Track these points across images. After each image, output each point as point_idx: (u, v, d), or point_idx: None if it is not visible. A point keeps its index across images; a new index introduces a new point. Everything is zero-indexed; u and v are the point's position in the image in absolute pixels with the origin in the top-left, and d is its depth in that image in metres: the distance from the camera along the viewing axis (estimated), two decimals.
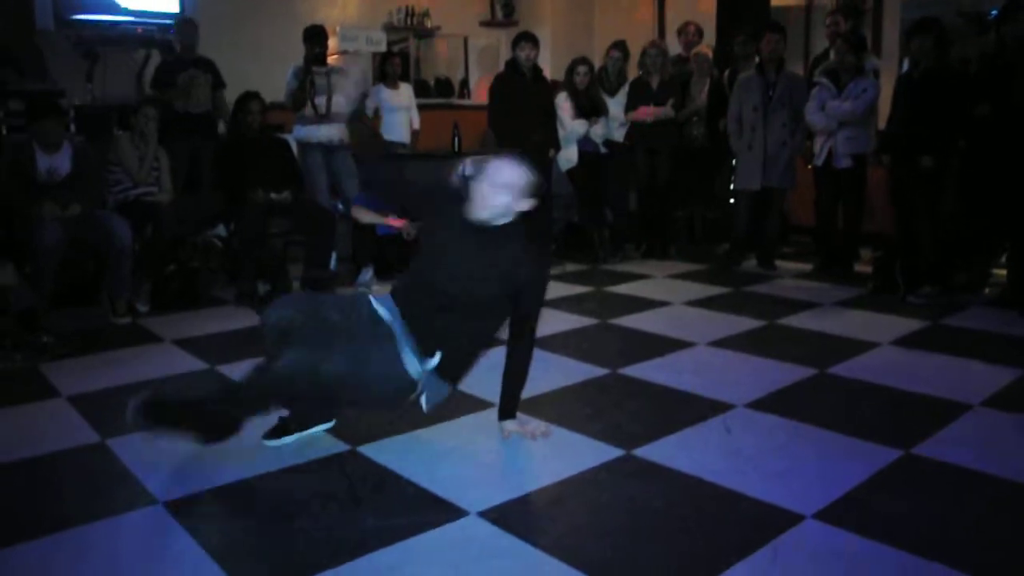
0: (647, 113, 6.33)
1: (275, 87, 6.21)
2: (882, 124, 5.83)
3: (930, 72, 4.96)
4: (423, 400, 2.73)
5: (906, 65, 5.67)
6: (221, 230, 5.67)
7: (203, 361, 3.95)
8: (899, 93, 5.20)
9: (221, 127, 6.47)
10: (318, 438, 2.98)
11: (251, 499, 2.55)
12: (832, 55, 5.98)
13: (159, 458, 2.82)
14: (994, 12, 5.14)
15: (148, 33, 6.81)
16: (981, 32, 5.55)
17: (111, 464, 2.79)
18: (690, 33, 7.16)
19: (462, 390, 3.36)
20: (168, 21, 6.91)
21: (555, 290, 5.42)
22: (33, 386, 3.60)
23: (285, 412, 2.89)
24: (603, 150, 6.54)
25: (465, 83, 9.67)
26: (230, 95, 5.86)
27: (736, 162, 6.21)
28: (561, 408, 3.21)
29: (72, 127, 5.96)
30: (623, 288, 5.53)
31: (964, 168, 4.97)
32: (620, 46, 6.67)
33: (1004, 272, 5.07)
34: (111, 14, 6.73)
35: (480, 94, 8.81)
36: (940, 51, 4.97)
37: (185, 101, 6.15)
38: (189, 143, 6.07)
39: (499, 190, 2.68)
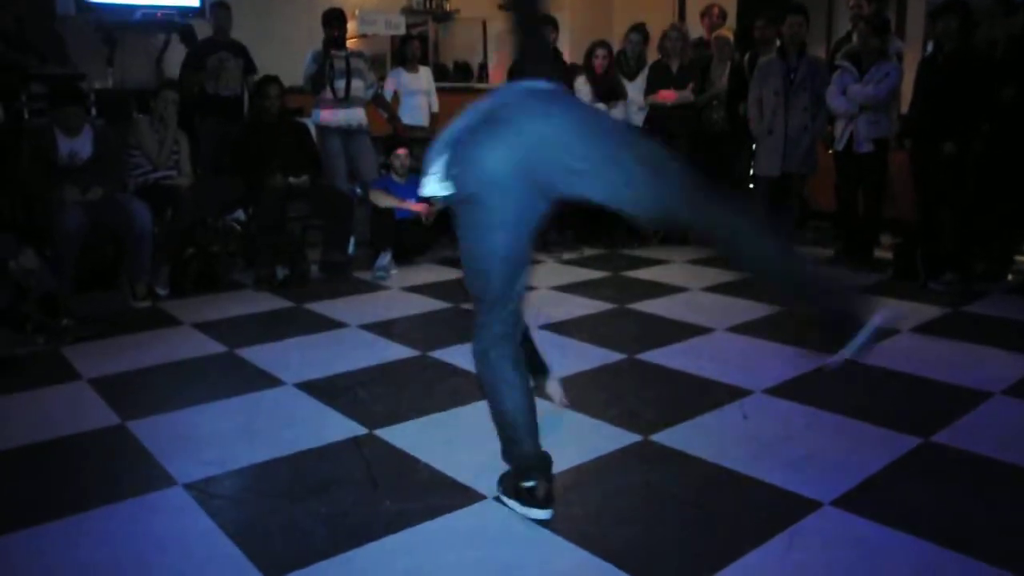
0: (668, 96, 6.29)
1: (294, 71, 6.22)
2: (905, 108, 5.76)
3: (954, 55, 4.88)
4: None
5: (930, 48, 5.59)
6: (240, 214, 5.70)
7: (222, 344, 3.98)
8: (922, 77, 5.13)
9: None
10: (334, 421, 3.00)
11: (270, 481, 2.57)
12: (855, 38, 5.89)
13: (178, 440, 2.86)
14: None
15: (168, 18, 6.83)
16: (1009, 13, 5.44)
17: (131, 446, 2.82)
18: (714, 15, 7.08)
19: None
20: (188, 5, 6.93)
21: (572, 275, 5.42)
22: (54, 369, 3.64)
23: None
24: None
25: (484, 66, 9.64)
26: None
27: (756, 147, 6.15)
28: (577, 393, 3.20)
29: (93, 111, 6.00)
30: (641, 273, 5.51)
31: (987, 153, 4.90)
32: (639, 29, 6.61)
33: None
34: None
35: (498, 77, 8.77)
36: (965, 33, 4.90)
37: (215, 83, 6.20)
38: (218, 125, 6.12)
39: None
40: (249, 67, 6.47)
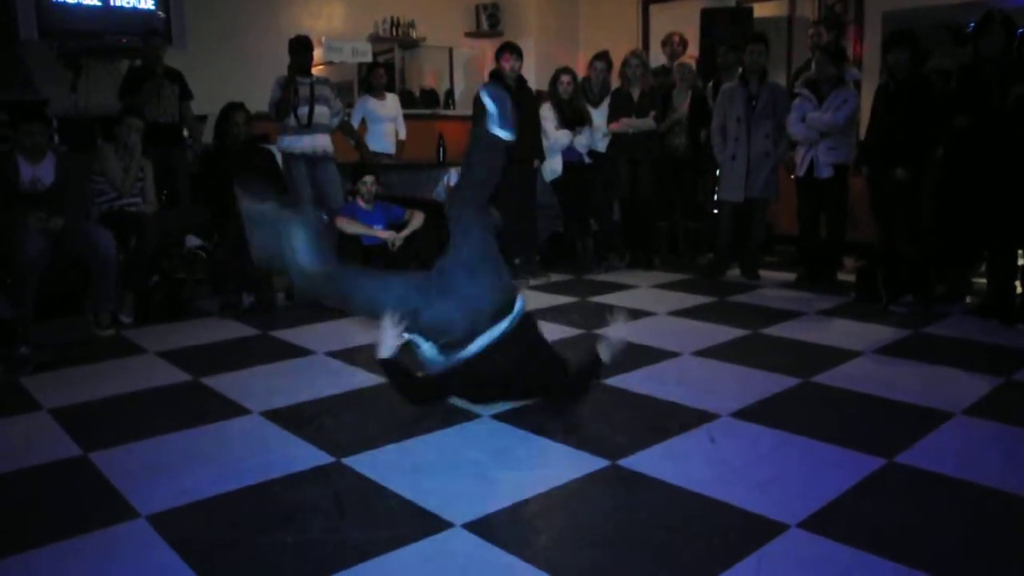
0: (625, 124, 6.36)
1: (261, 97, 6.21)
2: (863, 134, 5.88)
3: (905, 84, 5.01)
4: None
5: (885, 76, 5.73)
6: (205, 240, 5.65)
7: (187, 373, 3.93)
8: (877, 104, 5.25)
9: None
10: (301, 450, 2.97)
11: (235, 511, 2.53)
12: (813, 66, 6.03)
13: (141, 471, 2.81)
14: (972, 25, 5.20)
15: (133, 44, 6.78)
16: (959, 43, 5.61)
17: (93, 477, 2.77)
18: (674, 43, 7.20)
19: (451, 402, 3.37)
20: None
21: (539, 300, 5.43)
22: (14, 399, 3.57)
23: None
24: (587, 160, 6.56)
25: (450, 93, 9.68)
26: (215, 105, 5.85)
27: (720, 172, 6.24)
28: (545, 418, 3.21)
29: (56, 138, 5.93)
30: (607, 298, 5.54)
31: (942, 178, 5.02)
32: (603, 56, 6.70)
33: (984, 281, 5.12)
34: (95, 25, 6.68)
35: (465, 104, 8.82)
36: (915, 63, 5.03)
37: (153, 110, 6.13)
38: (155, 153, 6.06)
39: None
40: (185, 93, 6.41)
